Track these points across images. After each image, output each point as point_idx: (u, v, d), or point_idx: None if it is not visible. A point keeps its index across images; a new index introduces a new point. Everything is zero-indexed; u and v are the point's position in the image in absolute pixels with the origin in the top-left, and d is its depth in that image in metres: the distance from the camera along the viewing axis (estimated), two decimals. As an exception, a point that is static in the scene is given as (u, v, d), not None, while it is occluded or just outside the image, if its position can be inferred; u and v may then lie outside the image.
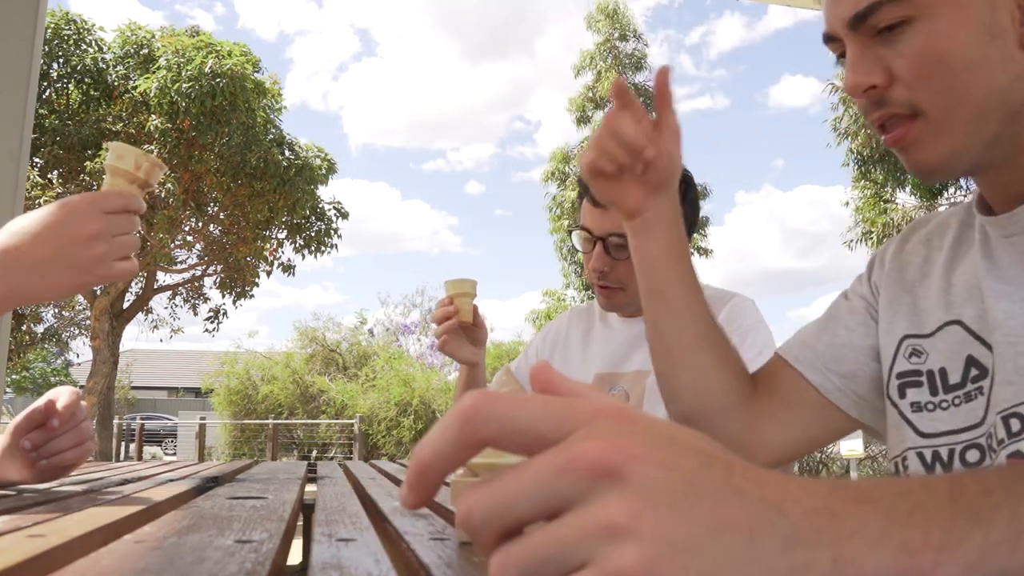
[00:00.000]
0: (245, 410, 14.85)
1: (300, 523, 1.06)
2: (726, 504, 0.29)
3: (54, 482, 1.15)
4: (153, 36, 12.77)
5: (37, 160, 11.99)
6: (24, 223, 0.93)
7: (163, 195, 11.52)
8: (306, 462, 2.00)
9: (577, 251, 1.67)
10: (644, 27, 21.46)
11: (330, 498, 1.02)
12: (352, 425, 13.33)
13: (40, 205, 1.00)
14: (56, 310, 15.62)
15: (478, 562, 0.56)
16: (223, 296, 14.13)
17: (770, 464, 0.89)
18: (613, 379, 1.55)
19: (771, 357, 0.97)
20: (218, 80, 11.63)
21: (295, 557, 1.03)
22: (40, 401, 1.11)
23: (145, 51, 12.49)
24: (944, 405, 0.78)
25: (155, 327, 15.72)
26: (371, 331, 17.28)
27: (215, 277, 14.20)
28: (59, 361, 24.04)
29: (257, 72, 12.58)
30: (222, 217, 13.21)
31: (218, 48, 12.12)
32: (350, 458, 12.47)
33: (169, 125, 11.82)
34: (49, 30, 11.90)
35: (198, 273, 14.37)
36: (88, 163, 11.59)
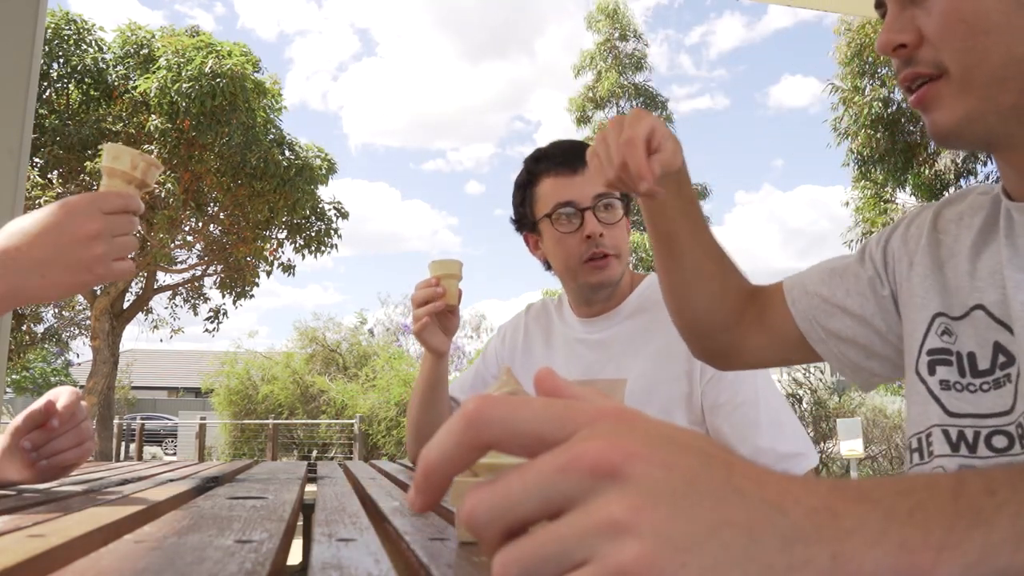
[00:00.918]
0: (245, 410, 14.85)
1: (300, 523, 1.06)
2: (726, 502, 0.29)
3: (54, 482, 1.15)
4: (153, 36, 12.77)
5: (37, 160, 11.99)
6: (24, 223, 0.93)
7: (163, 195, 11.52)
8: (306, 462, 2.00)
9: None
10: (644, 27, 21.48)
11: (330, 498, 1.02)
12: (352, 425, 13.33)
13: (40, 205, 1.01)
14: (56, 310, 15.62)
15: (478, 562, 0.56)
16: (223, 296, 14.13)
17: (745, 366, 1.08)
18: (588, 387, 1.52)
19: (775, 284, 1.03)
20: (218, 80, 11.63)
21: (295, 557, 1.03)
22: (40, 401, 1.11)
23: (145, 51, 12.48)
24: (972, 388, 0.78)
25: (155, 327, 15.73)
26: (371, 331, 17.28)
27: (215, 277, 14.20)
28: (59, 361, 24.04)
29: (257, 72, 12.58)
30: (222, 217, 13.21)
31: (218, 48, 12.12)
32: (350, 458, 12.46)
33: (169, 125, 11.82)
34: (49, 30, 11.90)
35: (198, 273, 14.37)
36: (88, 163, 11.59)
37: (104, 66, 12.51)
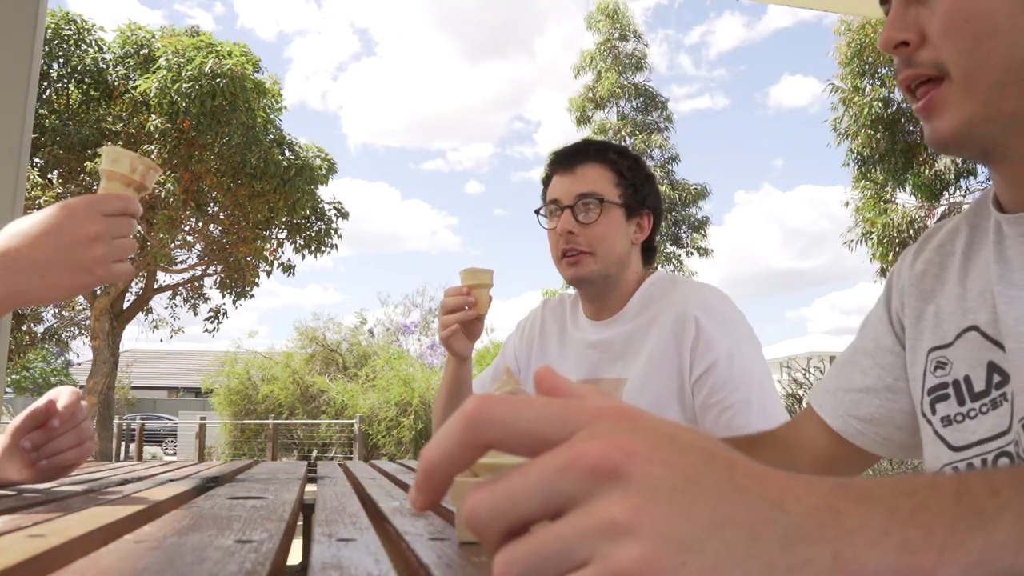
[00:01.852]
0: (245, 410, 14.85)
1: (300, 523, 1.06)
2: (727, 501, 0.29)
3: (54, 482, 1.15)
4: (153, 36, 12.76)
5: (37, 160, 11.98)
6: (24, 225, 0.93)
7: (163, 195, 11.51)
8: (306, 462, 2.00)
9: None
10: (644, 27, 21.48)
11: (330, 498, 1.02)
12: (352, 425, 13.33)
13: (40, 205, 1.01)
14: (56, 310, 15.60)
15: (478, 562, 0.56)
16: (223, 296, 14.13)
17: None
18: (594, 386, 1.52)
19: (800, 414, 1.01)
20: (218, 80, 11.62)
21: (295, 557, 1.03)
22: (40, 401, 1.11)
23: (145, 51, 12.47)
24: (972, 414, 0.78)
25: (155, 327, 15.72)
26: (371, 331, 17.28)
27: (215, 277, 14.19)
28: (59, 361, 24.05)
29: (257, 72, 12.58)
30: (222, 217, 13.20)
31: (218, 48, 12.11)
32: (350, 458, 12.46)
33: (169, 125, 11.81)
34: (49, 30, 11.89)
35: (198, 273, 14.37)
36: (88, 163, 11.59)
37: (104, 66, 12.50)
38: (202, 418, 15.88)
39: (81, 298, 14.53)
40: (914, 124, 13.07)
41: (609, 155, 1.53)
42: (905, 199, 14.00)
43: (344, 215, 14.23)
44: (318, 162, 13.36)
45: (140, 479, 1.30)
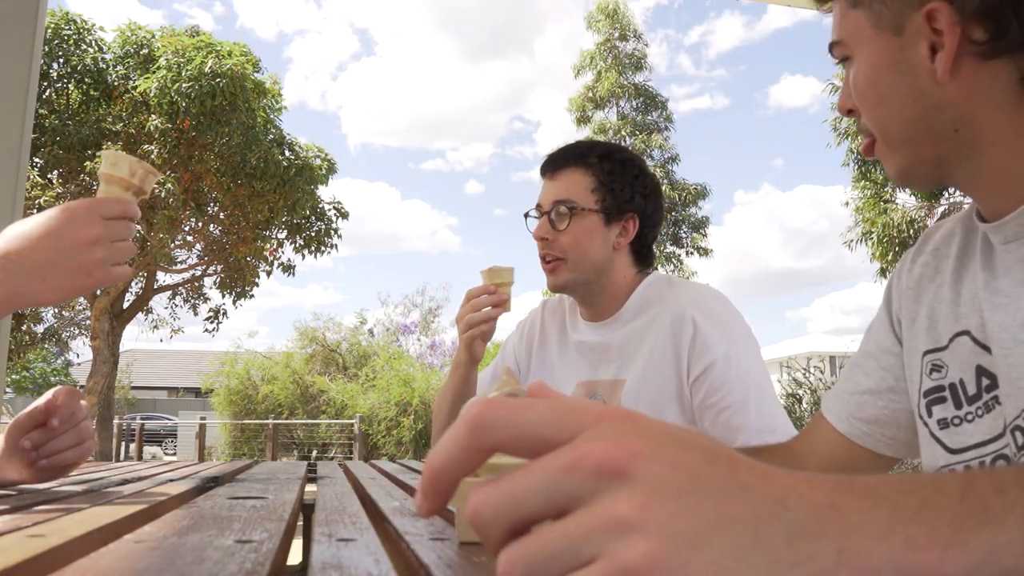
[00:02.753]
0: (245, 410, 14.86)
1: (300, 523, 1.06)
2: (731, 498, 0.29)
3: (54, 482, 1.15)
4: (153, 36, 12.77)
5: (37, 160, 11.99)
6: (24, 227, 0.94)
7: (163, 195, 11.52)
8: (306, 462, 2.00)
9: None
10: (644, 27, 21.49)
11: (330, 498, 1.02)
12: (352, 425, 13.33)
13: (40, 205, 1.02)
14: (56, 310, 15.61)
15: (478, 562, 0.56)
16: (223, 296, 14.14)
17: None
18: (592, 387, 1.51)
19: (815, 417, 1.02)
20: (218, 80, 11.63)
21: (295, 557, 1.03)
22: (40, 400, 1.11)
23: (145, 51, 12.48)
24: (969, 418, 0.79)
25: (155, 327, 15.73)
26: (371, 331, 17.30)
27: (215, 277, 14.20)
28: (59, 361, 24.08)
29: (257, 72, 12.58)
30: (222, 217, 13.21)
31: (218, 48, 12.12)
32: (350, 458, 12.47)
33: (169, 125, 11.82)
34: (49, 30, 11.90)
35: (198, 273, 14.38)
36: (88, 163, 11.59)
37: (104, 66, 12.51)
38: (202, 418, 15.89)
39: (81, 298, 14.54)
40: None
41: (590, 159, 1.50)
42: (905, 199, 14.01)
43: (344, 215, 14.24)
44: (318, 162, 13.37)
45: (140, 479, 1.30)
